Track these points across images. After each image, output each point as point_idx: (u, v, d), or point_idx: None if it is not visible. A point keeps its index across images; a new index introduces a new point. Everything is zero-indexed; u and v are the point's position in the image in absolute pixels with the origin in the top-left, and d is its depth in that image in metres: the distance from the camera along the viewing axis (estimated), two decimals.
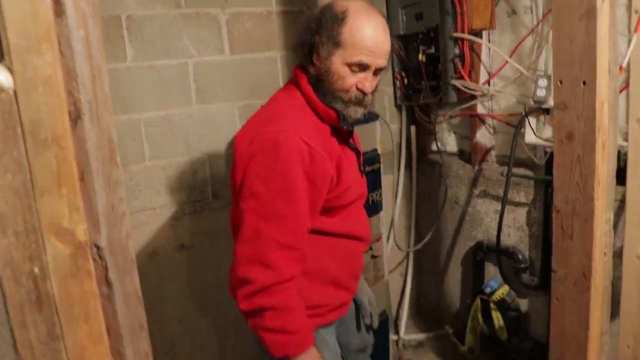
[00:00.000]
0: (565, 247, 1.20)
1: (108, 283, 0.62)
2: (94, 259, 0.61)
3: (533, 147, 2.63)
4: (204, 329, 2.85)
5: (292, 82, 1.57)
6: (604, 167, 1.13)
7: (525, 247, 2.68)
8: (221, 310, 2.87)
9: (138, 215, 2.58)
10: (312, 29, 1.46)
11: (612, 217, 1.20)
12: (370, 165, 2.29)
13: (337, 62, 1.44)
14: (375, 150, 2.36)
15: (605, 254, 1.20)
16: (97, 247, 0.61)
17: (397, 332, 3.21)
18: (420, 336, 3.23)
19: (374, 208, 2.34)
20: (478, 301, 2.80)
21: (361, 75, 1.45)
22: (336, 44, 1.42)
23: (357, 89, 1.46)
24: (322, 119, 1.51)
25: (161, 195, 2.61)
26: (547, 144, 2.44)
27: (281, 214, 1.37)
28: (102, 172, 0.59)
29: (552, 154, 2.48)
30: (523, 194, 2.64)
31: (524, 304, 2.77)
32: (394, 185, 3.18)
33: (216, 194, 2.75)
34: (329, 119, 1.51)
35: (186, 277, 2.75)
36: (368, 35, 1.41)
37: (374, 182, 2.32)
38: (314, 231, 1.48)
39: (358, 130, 2.29)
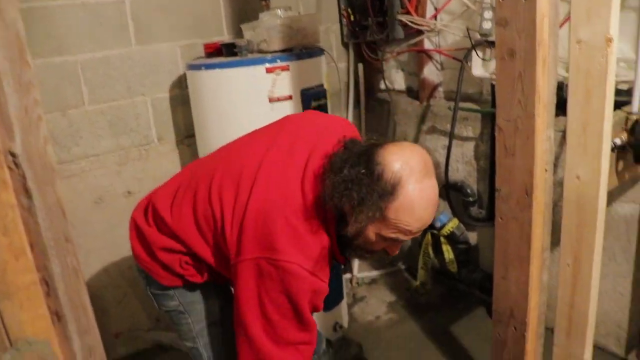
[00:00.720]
0: (508, 165, 1.21)
1: (27, 193, 0.58)
2: (9, 168, 0.57)
3: (480, 81, 2.65)
4: None
5: (319, 195, 1.30)
6: (545, 83, 1.13)
7: (474, 181, 2.73)
8: None
9: (80, 162, 2.50)
10: (352, 187, 1.21)
11: (552, 135, 1.21)
12: (317, 101, 2.25)
13: (371, 231, 1.26)
14: (321, 85, 2.32)
15: (546, 170, 1.21)
16: (12, 155, 0.57)
17: (350, 270, 3.25)
18: (373, 273, 3.28)
19: None
20: (428, 236, 2.85)
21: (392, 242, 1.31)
22: (377, 216, 1.21)
23: (384, 250, 1.33)
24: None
25: (103, 140, 2.53)
26: (493, 77, 2.45)
27: (296, 340, 1.33)
28: (11, 72, 0.54)
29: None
30: (470, 129, 2.66)
31: (473, 237, 2.83)
32: None
33: (161, 137, 2.68)
34: (337, 257, 1.40)
35: None
36: (416, 218, 1.21)
37: None
38: None
39: (302, 66, 2.26)
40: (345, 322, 2.75)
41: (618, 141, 1.54)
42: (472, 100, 2.68)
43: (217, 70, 2.21)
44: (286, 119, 1.65)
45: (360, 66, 3.11)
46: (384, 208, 1.19)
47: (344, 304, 2.71)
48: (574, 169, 1.49)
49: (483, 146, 2.62)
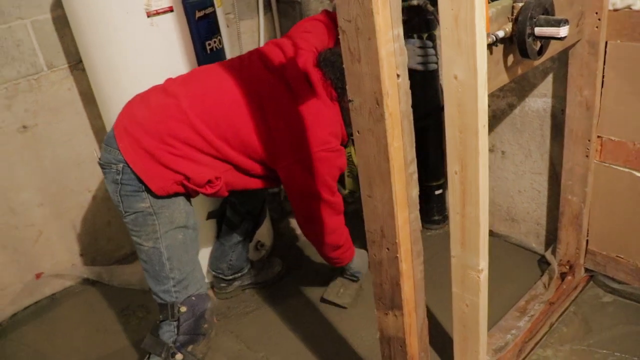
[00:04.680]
0: (357, 73, 1.06)
1: None
2: None
3: None
4: (70, 205, 2.69)
5: (330, 99, 1.75)
6: None
7: None
8: (85, 187, 2.70)
9: None
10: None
11: (401, 33, 1.05)
12: (202, 10, 2.03)
13: None
14: None
15: (398, 75, 1.07)
16: None
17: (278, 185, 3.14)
18: None
19: (216, 56, 2.12)
20: (351, 144, 2.73)
21: None
22: None
23: None
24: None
25: None
26: None
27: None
28: None
29: None
30: None
31: None
32: (259, 31, 2.96)
33: (51, 64, 2.46)
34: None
35: (36, 159, 2.53)
36: None
37: (208, 28, 2.08)
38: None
39: None
40: (269, 239, 2.68)
41: (501, 33, 1.38)
42: None
43: None
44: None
45: None
46: None
47: (267, 221, 2.62)
48: (451, 68, 1.34)
49: None
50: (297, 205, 1.88)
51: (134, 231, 1.75)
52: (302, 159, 1.74)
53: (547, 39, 1.46)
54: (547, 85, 2.04)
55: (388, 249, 1.24)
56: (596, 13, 1.74)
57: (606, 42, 1.79)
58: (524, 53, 1.43)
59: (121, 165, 1.67)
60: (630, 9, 1.73)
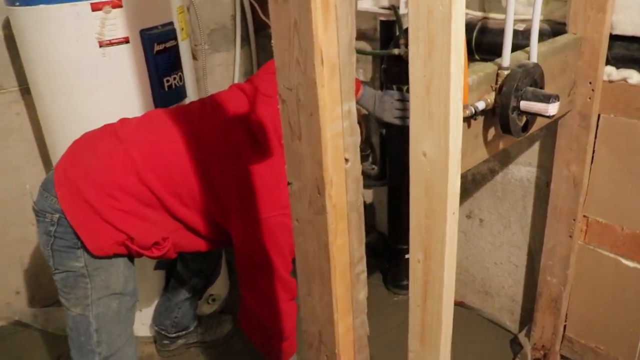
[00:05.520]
0: (296, 152, 0.87)
1: None
2: None
3: (374, 17, 2.28)
4: (10, 238, 2.47)
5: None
6: (329, 37, 0.77)
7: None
8: (29, 220, 2.47)
9: None
10: None
11: (354, 109, 0.86)
12: (161, 44, 1.84)
13: None
14: (170, 24, 1.90)
15: (347, 160, 0.88)
16: None
17: None
18: None
19: (175, 94, 1.93)
20: None
21: None
22: None
23: None
24: None
25: None
26: (381, 11, 2.08)
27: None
28: None
29: (384, 22, 2.14)
30: (362, 72, 2.31)
31: (368, 196, 2.53)
32: (235, 65, 2.78)
33: (0, 86, 2.26)
34: None
35: None
36: None
37: (168, 63, 1.89)
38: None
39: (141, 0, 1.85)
40: (223, 290, 2.46)
41: (481, 105, 1.20)
42: (366, 38, 2.31)
43: (34, 8, 1.78)
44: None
45: None
46: None
47: (223, 270, 2.40)
48: (419, 144, 1.15)
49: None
50: (247, 279, 1.62)
51: (62, 292, 1.57)
52: (259, 222, 1.52)
53: (533, 115, 1.28)
54: (532, 153, 1.86)
55: (327, 356, 1.04)
56: (590, 83, 1.58)
57: (599, 115, 1.62)
58: (506, 129, 1.24)
59: (57, 215, 1.47)
60: (626, 82, 1.57)
